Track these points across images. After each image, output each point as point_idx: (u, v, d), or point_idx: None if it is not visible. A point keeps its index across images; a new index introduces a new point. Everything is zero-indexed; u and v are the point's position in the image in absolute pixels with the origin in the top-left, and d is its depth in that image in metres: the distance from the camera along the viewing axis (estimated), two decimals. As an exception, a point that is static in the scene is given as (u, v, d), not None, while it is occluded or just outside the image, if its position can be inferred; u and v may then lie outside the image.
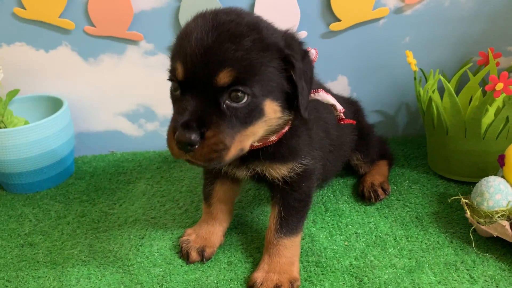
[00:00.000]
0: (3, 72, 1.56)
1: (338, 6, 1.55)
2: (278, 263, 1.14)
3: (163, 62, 1.64)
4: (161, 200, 1.49)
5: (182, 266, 1.21)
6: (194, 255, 1.22)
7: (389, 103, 1.74)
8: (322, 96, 1.09)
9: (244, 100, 0.91)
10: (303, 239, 1.28)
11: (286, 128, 1.07)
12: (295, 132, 1.10)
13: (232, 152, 0.94)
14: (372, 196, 1.39)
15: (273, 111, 0.97)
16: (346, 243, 1.26)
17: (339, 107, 1.12)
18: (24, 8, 1.57)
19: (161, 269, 1.21)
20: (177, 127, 0.90)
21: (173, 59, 0.96)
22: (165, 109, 1.74)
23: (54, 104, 1.65)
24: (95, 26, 1.59)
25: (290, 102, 1.01)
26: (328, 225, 1.34)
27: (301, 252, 1.23)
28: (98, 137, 1.78)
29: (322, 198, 1.46)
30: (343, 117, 1.13)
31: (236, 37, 0.89)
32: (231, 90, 0.90)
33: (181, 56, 0.92)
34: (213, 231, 1.27)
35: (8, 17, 1.59)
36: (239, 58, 0.89)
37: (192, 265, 1.21)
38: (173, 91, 0.97)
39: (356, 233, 1.30)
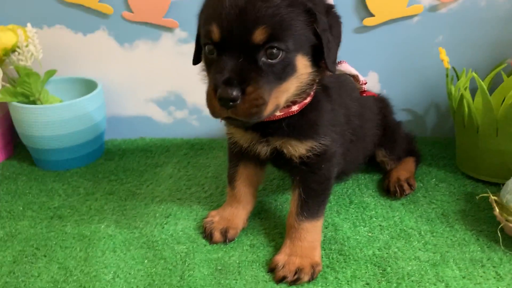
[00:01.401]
0: (42, 52, 1.62)
1: (373, 1, 1.55)
2: (300, 247, 1.14)
3: (196, 50, 1.67)
4: (187, 184, 1.52)
5: (205, 245, 1.23)
6: (217, 235, 1.24)
7: (419, 102, 1.73)
8: (345, 67, 1.10)
9: (280, 56, 0.94)
10: (326, 228, 1.28)
11: (308, 99, 1.08)
12: (317, 105, 1.10)
13: (270, 108, 0.97)
14: (398, 190, 1.38)
15: (304, 66, 0.99)
16: (370, 234, 1.26)
17: (361, 78, 1.12)
18: (66, -9, 1.63)
19: (184, 247, 1.22)
20: (218, 85, 0.93)
21: (207, 22, 0.97)
22: (195, 97, 1.77)
23: (89, 87, 1.69)
24: (132, 12, 1.64)
25: (319, 57, 1.02)
26: (352, 217, 1.33)
27: (324, 240, 1.23)
28: (129, 121, 1.82)
29: (347, 190, 1.45)
30: (365, 88, 1.13)
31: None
32: (267, 47, 0.93)
33: (215, 18, 0.94)
34: (236, 214, 1.28)
35: (51, 0, 1.65)
36: (271, 15, 0.92)
37: (215, 245, 1.23)
38: (208, 54, 1.00)
39: (380, 225, 1.29)
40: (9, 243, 1.26)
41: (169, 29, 1.66)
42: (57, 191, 1.49)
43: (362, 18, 1.59)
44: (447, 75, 1.48)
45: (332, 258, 1.17)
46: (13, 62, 1.55)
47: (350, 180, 1.51)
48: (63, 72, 1.73)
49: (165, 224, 1.31)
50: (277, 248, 1.20)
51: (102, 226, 1.31)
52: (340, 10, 1.57)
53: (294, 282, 1.09)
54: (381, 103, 1.49)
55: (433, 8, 1.57)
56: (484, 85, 1.39)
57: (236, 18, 0.92)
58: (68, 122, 1.55)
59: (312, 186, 1.16)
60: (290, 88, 1.00)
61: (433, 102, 1.73)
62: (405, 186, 1.39)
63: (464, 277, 1.09)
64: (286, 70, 0.96)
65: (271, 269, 1.13)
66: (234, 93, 0.92)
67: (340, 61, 1.10)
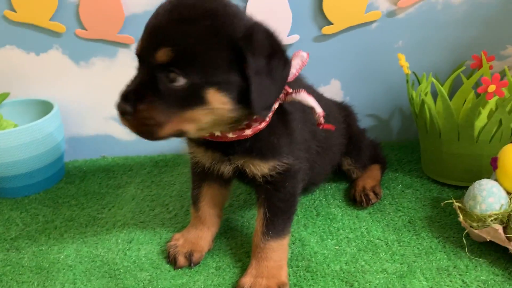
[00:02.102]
0: (-7, 75, 1.55)
1: (330, 9, 1.54)
2: (266, 267, 1.11)
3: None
4: (151, 205, 1.47)
5: (169, 271, 1.19)
6: (181, 259, 1.20)
7: (383, 107, 1.73)
8: (303, 96, 1.06)
9: (181, 83, 0.91)
10: (293, 243, 1.26)
11: (263, 124, 1.05)
12: (274, 130, 1.07)
13: (167, 131, 0.95)
14: (364, 200, 1.37)
15: (220, 102, 0.94)
16: (337, 247, 1.24)
17: (318, 110, 1.08)
18: (14, 11, 1.56)
19: (148, 274, 1.18)
20: (119, 96, 0.95)
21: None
22: (157, 113, 1.73)
23: (45, 108, 1.63)
24: (86, 29, 1.58)
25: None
26: (319, 229, 1.31)
27: (291, 256, 1.20)
28: (89, 141, 1.77)
29: (314, 202, 1.44)
30: (323, 121, 1.09)
31: (186, 20, 0.91)
32: (168, 70, 0.91)
33: (143, 31, 0.96)
34: (201, 236, 1.24)
35: (-2, 20, 1.59)
36: (182, 40, 0.90)
37: (179, 270, 1.19)
38: None
39: (347, 237, 1.27)
40: (-39, 281, 1.20)
41: (125, 45, 1.62)
42: (14, 220, 1.43)
43: (321, 26, 1.58)
44: (407, 81, 1.48)
45: (300, 276, 1.15)
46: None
47: (317, 190, 1.49)
48: (17, 94, 1.67)
49: (127, 250, 1.27)
50: (243, 269, 1.17)
51: (62, 257, 1.26)
52: (298, 19, 1.58)
53: None
54: (345, 111, 1.48)
55: (391, 14, 1.57)
56: (444, 89, 1.40)
57: (150, 35, 0.93)
58: (25, 147, 1.48)
59: (277, 204, 1.13)
60: (200, 118, 0.95)
61: (396, 106, 1.73)
62: (371, 195, 1.38)
63: (431, 288, 1.08)
64: (190, 99, 0.93)
65: None
66: (127, 107, 0.92)
67: (299, 90, 1.07)
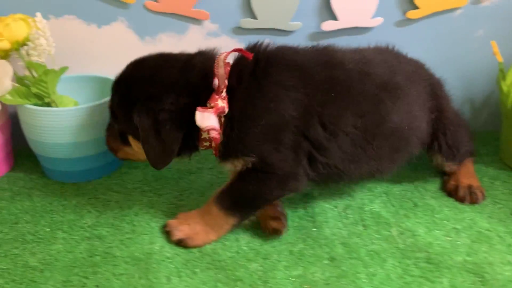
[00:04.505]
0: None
1: (419, -8, 1.48)
2: (196, 220, 1.17)
3: (227, 44, 1.51)
4: (233, 192, 1.37)
5: (279, 261, 1.10)
6: None
7: (454, 97, 1.68)
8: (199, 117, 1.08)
9: (116, 127, 1.20)
10: (402, 234, 1.19)
11: (216, 136, 1.09)
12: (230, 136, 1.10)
13: (121, 156, 1.26)
14: (469, 198, 1.30)
15: (137, 147, 1.16)
16: (448, 238, 1.19)
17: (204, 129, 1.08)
18: (79, -23, 1.42)
19: (257, 264, 1.09)
20: None
21: None
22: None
23: (104, 86, 1.49)
24: (157, 1, 1.46)
25: None
26: (422, 220, 1.25)
27: (405, 247, 1.14)
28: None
29: (406, 193, 1.37)
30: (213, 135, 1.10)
31: (119, 82, 1.18)
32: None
33: None
34: None
35: (58, -14, 1.44)
36: (113, 97, 1.19)
37: (292, 260, 1.10)
38: None
39: (455, 228, 1.22)
40: (47, 272, 1.06)
41: (197, 21, 1.50)
42: (85, 207, 1.29)
43: (405, 10, 1.52)
44: (501, 70, 1.44)
45: (423, 268, 1.08)
46: (23, 57, 1.32)
47: (406, 181, 1.42)
48: (74, 69, 1.51)
49: (226, 240, 1.17)
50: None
51: (155, 247, 1.14)
52: (384, 1, 1.51)
53: None
54: (430, 79, 1.31)
55: (476, 1, 1.53)
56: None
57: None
58: (88, 127, 1.35)
59: (238, 186, 1.13)
60: (138, 154, 1.18)
61: (466, 97, 1.69)
62: (479, 195, 1.30)
63: (561, 280, 1.05)
64: (124, 139, 1.19)
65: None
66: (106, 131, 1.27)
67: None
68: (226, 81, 1.09)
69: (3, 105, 1.38)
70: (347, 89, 1.13)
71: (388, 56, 1.27)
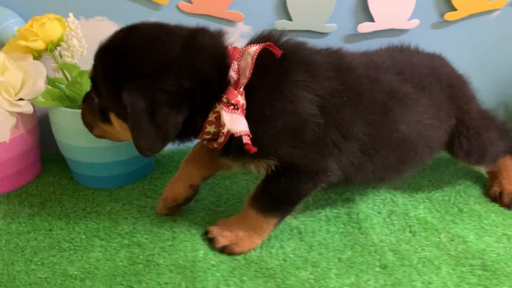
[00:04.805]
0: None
1: (457, -6, 1.46)
2: (237, 226, 1.12)
3: (260, 47, 1.48)
4: (272, 197, 1.33)
5: (330, 269, 1.06)
6: None
7: (487, 101, 1.65)
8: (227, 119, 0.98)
9: (96, 101, 1.06)
10: (452, 240, 1.15)
11: (222, 139, 1.03)
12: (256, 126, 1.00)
13: (96, 133, 1.12)
14: None
15: (121, 126, 1.03)
16: (500, 244, 1.14)
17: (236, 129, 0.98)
18: (111, -23, 1.38)
19: (308, 272, 1.04)
20: None
21: None
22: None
23: (134, 89, 1.45)
24: (191, 3, 1.42)
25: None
26: (470, 226, 1.21)
27: (458, 253, 1.10)
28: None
29: (449, 199, 1.33)
30: (247, 141, 0.97)
31: (102, 49, 1.03)
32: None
33: None
34: None
35: (89, -14, 1.40)
36: (97, 68, 1.03)
37: (343, 268, 1.06)
38: None
39: (505, 234, 1.18)
40: (88, 281, 1.01)
41: (231, 22, 1.47)
42: (120, 213, 1.25)
43: (443, 12, 1.49)
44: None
45: (479, 275, 1.04)
46: (56, 58, 1.28)
47: (447, 186, 1.38)
48: (104, 71, 1.47)
49: (271, 248, 1.12)
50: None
51: (200, 255, 1.09)
52: (421, 3, 1.48)
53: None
54: (449, 80, 1.24)
55: (514, 3, 1.51)
56: None
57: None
58: (122, 130, 1.30)
59: (270, 188, 1.09)
60: (118, 134, 1.07)
61: (501, 102, 1.66)
62: None
63: None
64: (103, 116, 1.06)
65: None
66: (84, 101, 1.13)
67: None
68: (249, 76, 0.99)
69: (34, 107, 1.33)
70: (359, 95, 1.08)
71: (400, 59, 1.21)
